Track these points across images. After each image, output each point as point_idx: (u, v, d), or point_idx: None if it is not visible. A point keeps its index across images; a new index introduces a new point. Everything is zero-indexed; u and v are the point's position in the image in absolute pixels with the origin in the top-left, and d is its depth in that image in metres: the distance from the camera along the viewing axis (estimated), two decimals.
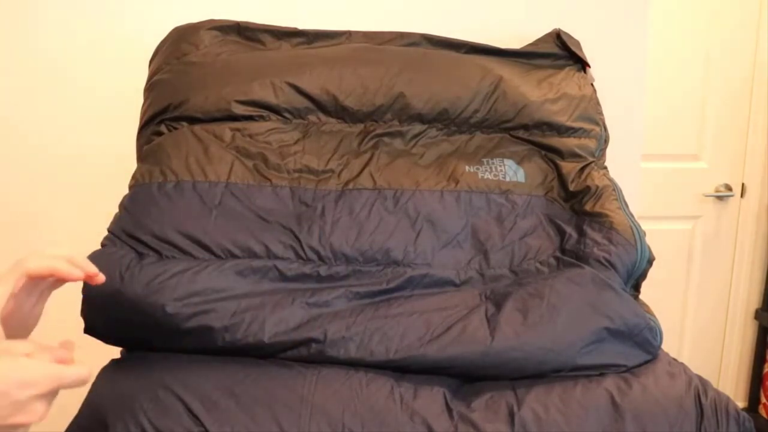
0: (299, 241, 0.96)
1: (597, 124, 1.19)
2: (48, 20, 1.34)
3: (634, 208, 1.09)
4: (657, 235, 1.31)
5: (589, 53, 1.28)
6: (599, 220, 1.03)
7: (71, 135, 1.39)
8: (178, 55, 1.17)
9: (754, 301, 2.38)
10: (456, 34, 1.26)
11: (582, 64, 1.27)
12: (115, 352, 0.93)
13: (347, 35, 1.26)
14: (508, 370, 0.86)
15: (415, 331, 0.87)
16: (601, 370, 0.88)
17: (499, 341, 0.85)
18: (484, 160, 1.12)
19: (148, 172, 1.02)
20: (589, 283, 0.93)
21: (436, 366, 0.86)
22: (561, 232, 1.05)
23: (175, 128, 1.10)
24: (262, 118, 1.10)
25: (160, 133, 1.11)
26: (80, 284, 0.88)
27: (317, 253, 0.96)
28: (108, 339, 0.92)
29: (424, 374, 0.86)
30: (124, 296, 0.85)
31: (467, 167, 1.10)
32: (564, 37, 1.28)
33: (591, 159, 1.14)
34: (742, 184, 2.32)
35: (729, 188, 2.30)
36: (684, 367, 0.90)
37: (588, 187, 1.08)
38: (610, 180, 1.12)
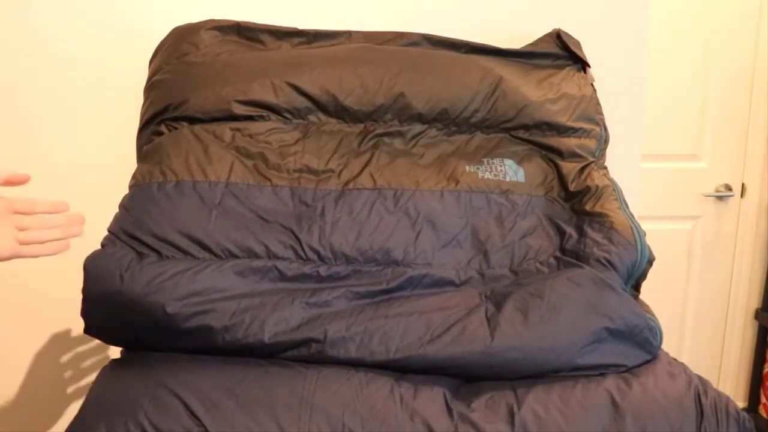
0: (299, 241, 0.96)
1: (597, 124, 1.18)
2: (46, 20, 1.34)
3: (634, 208, 1.09)
4: (657, 235, 1.31)
5: (589, 53, 1.28)
6: (599, 220, 1.03)
7: (70, 135, 1.39)
8: (178, 55, 1.17)
9: (754, 301, 2.38)
10: (456, 34, 1.26)
11: (582, 64, 1.27)
12: (115, 352, 0.93)
13: (347, 35, 1.26)
14: (508, 370, 0.86)
15: (415, 331, 0.87)
16: (601, 370, 0.88)
17: (499, 341, 0.86)
18: (484, 160, 1.12)
19: (148, 172, 1.02)
20: (589, 283, 0.93)
21: (437, 366, 0.86)
22: (561, 232, 1.05)
23: (175, 128, 1.10)
24: (262, 118, 1.10)
25: (160, 133, 1.11)
26: (80, 284, 0.89)
27: (317, 253, 0.96)
28: (108, 339, 0.92)
29: (424, 374, 0.86)
30: (124, 296, 0.85)
31: (467, 167, 1.10)
32: (564, 37, 1.28)
33: (591, 159, 1.13)
34: (742, 184, 2.32)
35: (729, 188, 2.30)
36: (684, 367, 0.90)
37: (588, 187, 1.08)
38: (610, 180, 1.12)
